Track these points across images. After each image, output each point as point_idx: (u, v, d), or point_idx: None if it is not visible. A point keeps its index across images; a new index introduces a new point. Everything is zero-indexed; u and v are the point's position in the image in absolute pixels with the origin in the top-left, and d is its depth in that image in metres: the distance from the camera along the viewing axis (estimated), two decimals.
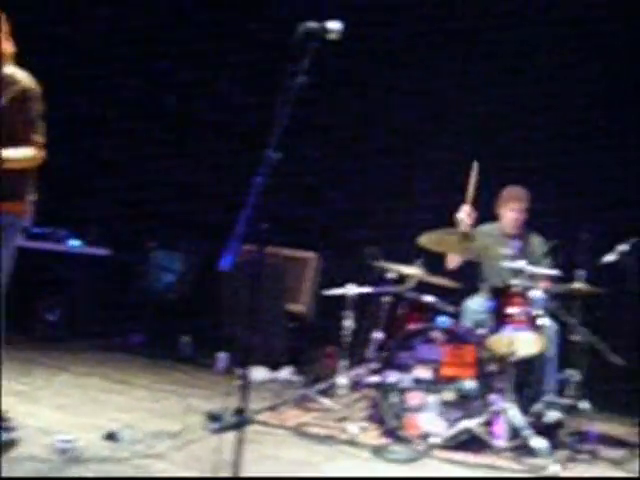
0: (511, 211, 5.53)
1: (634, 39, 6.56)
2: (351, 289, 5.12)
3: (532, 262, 5.17)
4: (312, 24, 3.05)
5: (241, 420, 4.69)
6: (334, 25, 3.10)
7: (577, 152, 6.67)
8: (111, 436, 3.99)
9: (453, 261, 5.47)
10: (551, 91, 6.81)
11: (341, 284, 5.35)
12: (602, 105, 6.68)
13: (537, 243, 5.55)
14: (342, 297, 5.30)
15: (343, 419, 4.87)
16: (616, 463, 4.65)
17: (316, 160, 7.33)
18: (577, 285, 4.94)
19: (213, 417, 4.47)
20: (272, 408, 5.20)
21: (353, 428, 4.61)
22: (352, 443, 4.48)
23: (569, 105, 6.74)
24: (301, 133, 7.00)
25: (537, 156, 6.69)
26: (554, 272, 5.02)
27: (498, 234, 5.56)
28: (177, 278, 7.57)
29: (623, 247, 4.96)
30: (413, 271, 5.11)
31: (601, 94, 6.67)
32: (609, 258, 4.96)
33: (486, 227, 5.63)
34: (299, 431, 4.68)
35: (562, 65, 6.79)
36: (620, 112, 6.62)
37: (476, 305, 5.32)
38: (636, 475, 4.08)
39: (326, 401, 5.11)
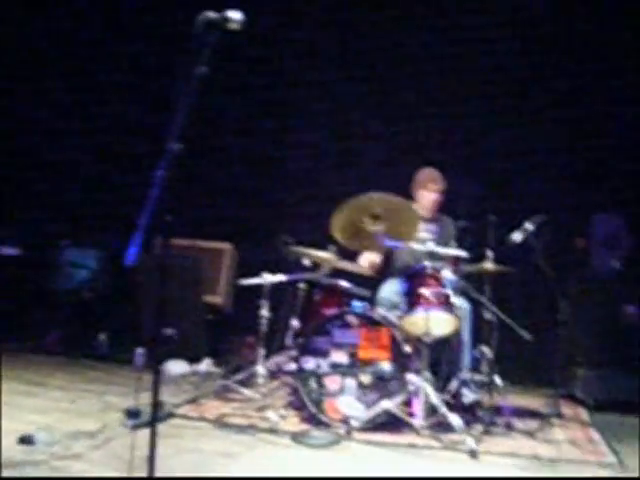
0: (430, 192, 5.61)
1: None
2: (266, 278, 5.12)
3: (448, 244, 5.32)
4: (212, 14, 3.02)
5: (160, 415, 4.68)
6: (235, 15, 3.08)
7: (482, 135, 6.84)
8: (26, 439, 3.91)
9: (369, 264, 5.48)
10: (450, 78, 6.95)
11: (258, 273, 5.36)
12: (509, 90, 6.85)
13: (450, 225, 5.67)
14: (259, 286, 5.31)
15: (263, 408, 4.88)
16: (530, 434, 4.82)
17: (227, 150, 7.28)
18: (486, 265, 5.08)
19: (131, 413, 4.42)
20: (192, 401, 5.20)
21: (273, 416, 4.64)
22: (273, 431, 4.51)
23: (472, 90, 6.90)
24: (211, 123, 7.01)
25: (444, 140, 6.82)
26: (463, 253, 5.14)
27: None
28: (91, 275, 7.43)
29: (529, 225, 5.11)
30: (326, 256, 5.14)
31: (501, 79, 6.85)
32: (516, 237, 5.11)
33: None
34: (219, 422, 4.68)
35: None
36: (525, 95, 6.81)
37: (390, 288, 5.41)
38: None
39: (246, 391, 5.12)
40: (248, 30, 3.05)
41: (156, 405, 2.66)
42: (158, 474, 2.87)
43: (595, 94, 6.65)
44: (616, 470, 4.16)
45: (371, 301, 5.18)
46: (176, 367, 6.27)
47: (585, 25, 6.64)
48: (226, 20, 3.04)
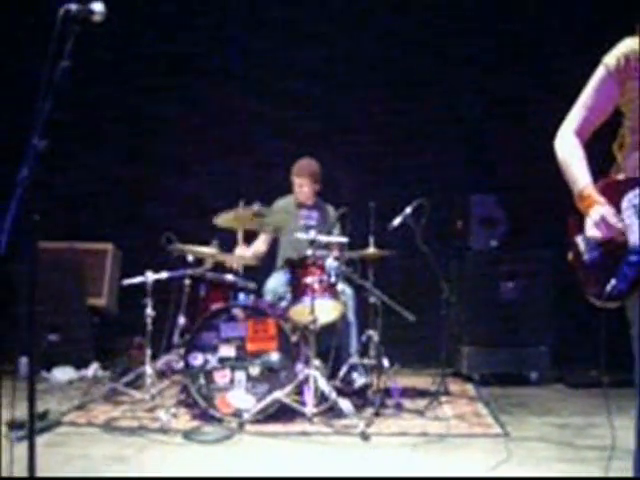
0: (301, 184, 5.68)
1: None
2: (149, 276, 5.02)
3: (330, 231, 5.40)
4: (74, 5, 2.93)
5: (45, 424, 4.54)
6: (98, 7, 2.99)
7: (361, 123, 6.93)
8: None
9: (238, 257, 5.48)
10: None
11: (142, 272, 5.25)
12: (383, 77, 6.95)
13: (331, 213, 5.74)
14: (143, 285, 5.19)
15: (153, 408, 4.81)
16: (419, 412, 4.95)
17: (104, 147, 7.07)
18: (369, 250, 5.16)
19: (16, 425, 4.25)
20: (80, 407, 5.07)
21: (163, 416, 4.57)
22: (164, 431, 4.44)
23: (346, 79, 6.97)
24: (90, 116, 6.81)
25: (330, 130, 6.86)
26: (343, 239, 5.22)
27: (295, 205, 5.72)
28: None
29: (408, 209, 5.22)
30: (208, 251, 5.09)
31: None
32: (396, 222, 5.20)
33: (282, 201, 5.76)
34: (109, 426, 4.59)
35: None
36: (401, 82, 6.93)
37: (276, 279, 5.43)
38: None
39: (135, 393, 5.02)
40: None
41: (32, 414, 2.55)
42: None
43: (466, 79, 6.83)
44: (502, 440, 4.32)
45: (257, 293, 5.18)
46: (62, 374, 6.09)
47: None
48: (89, 12, 2.95)
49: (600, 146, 2.81)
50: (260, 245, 5.70)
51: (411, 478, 3.69)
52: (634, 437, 2.65)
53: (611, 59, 2.69)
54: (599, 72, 2.72)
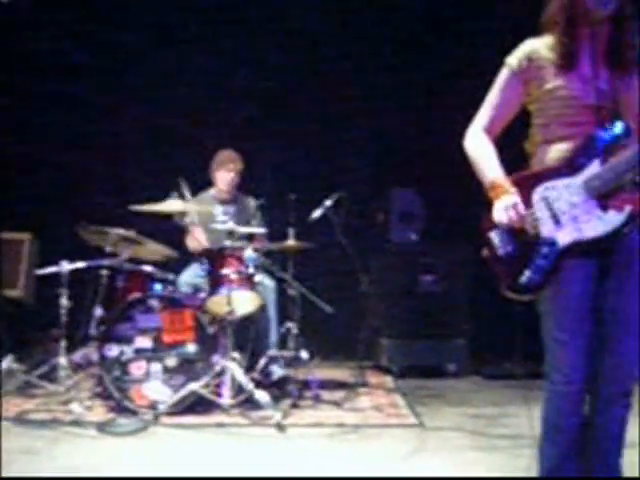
0: (227, 172, 5.65)
1: None
2: (64, 266, 4.92)
3: (249, 223, 5.38)
4: None
5: None
6: None
7: (284, 118, 6.91)
8: None
9: (198, 242, 5.46)
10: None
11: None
12: (304, 70, 6.96)
13: (251, 204, 5.71)
14: (59, 275, 5.09)
15: (67, 401, 4.72)
16: (337, 404, 4.99)
17: (31, 139, 6.90)
18: (288, 242, 5.17)
19: None
20: None
21: (77, 408, 4.50)
22: (77, 423, 4.37)
23: (266, 72, 6.95)
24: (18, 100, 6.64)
25: (250, 122, 6.84)
26: (262, 230, 5.22)
27: (213, 200, 5.67)
28: None
29: (328, 202, 5.26)
30: (126, 234, 5.00)
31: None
32: (316, 214, 5.23)
33: (201, 194, 5.71)
34: (21, 419, 4.49)
35: None
36: (321, 75, 6.94)
37: (193, 270, 5.40)
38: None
39: (49, 385, 4.92)
40: None
41: None
42: None
43: (388, 75, 6.89)
44: (417, 430, 4.39)
45: (175, 284, 5.14)
46: None
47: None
48: None
49: (511, 149, 2.89)
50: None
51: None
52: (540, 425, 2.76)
53: (513, 60, 2.78)
54: (503, 72, 2.81)
